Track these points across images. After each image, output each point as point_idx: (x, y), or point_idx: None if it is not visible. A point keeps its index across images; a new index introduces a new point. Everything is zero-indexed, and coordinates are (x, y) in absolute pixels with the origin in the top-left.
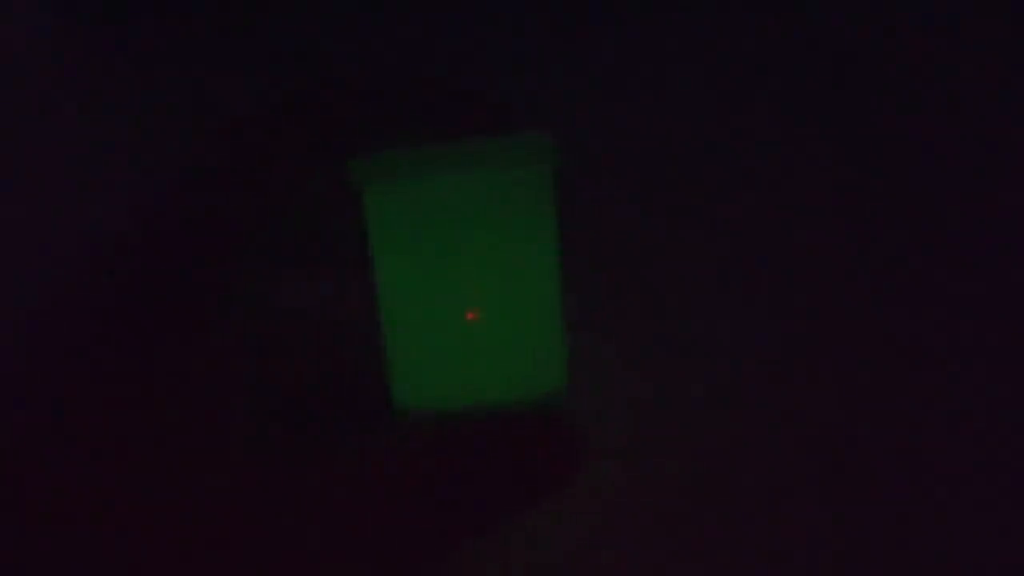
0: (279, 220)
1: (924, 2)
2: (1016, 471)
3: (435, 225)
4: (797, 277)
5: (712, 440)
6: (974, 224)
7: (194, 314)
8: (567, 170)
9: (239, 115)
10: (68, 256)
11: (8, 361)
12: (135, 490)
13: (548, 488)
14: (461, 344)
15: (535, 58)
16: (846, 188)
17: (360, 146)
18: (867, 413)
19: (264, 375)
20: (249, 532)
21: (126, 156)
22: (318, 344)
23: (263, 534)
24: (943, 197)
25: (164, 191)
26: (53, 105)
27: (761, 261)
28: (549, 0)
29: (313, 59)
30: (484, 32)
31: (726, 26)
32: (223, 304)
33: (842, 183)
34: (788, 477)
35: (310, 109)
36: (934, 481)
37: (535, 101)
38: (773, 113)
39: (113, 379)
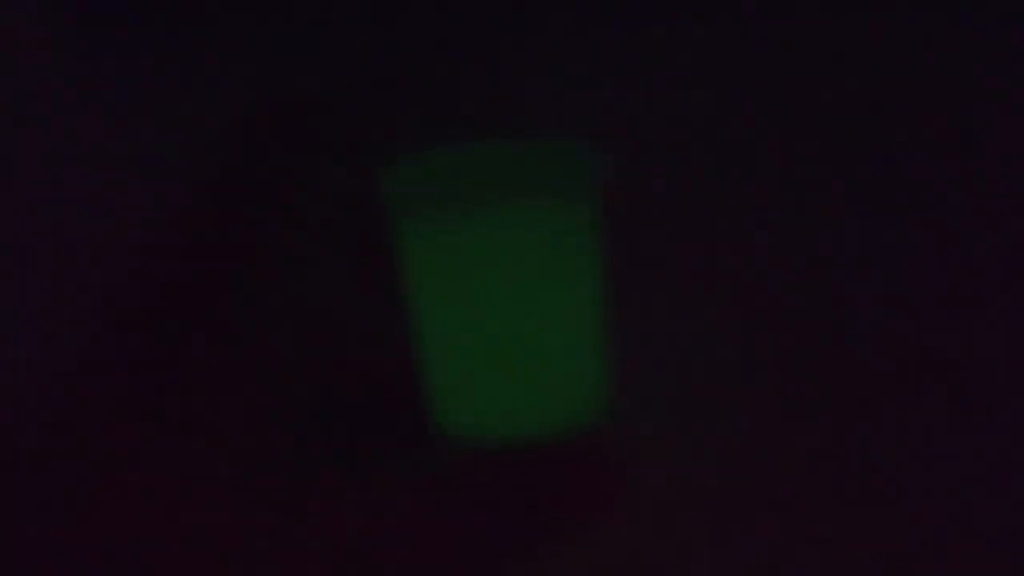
0: (309, 231)
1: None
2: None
3: (474, 262)
4: (811, 276)
5: (727, 443)
6: (986, 224)
7: (205, 315)
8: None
9: (259, 120)
10: (70, 260)
11: (11, 367)
12: (157, 504)
13: (587, 514)
14: (502, 372)
15: (554, 58)
16: (859, 188)
17: (385, 150)
18: (885, 414)
19: (300, 394)
20: (285, 552)
21: (140, 159)
22: (357, 365)
23: (298, 553)
24: (961, 198)
25: (181, 196)
26: (52, 106)
27: (774, 262)
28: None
29: (328, 61)
30: (507, 32)
31: (738, 27)
32: (229, 304)
33: (855, 182)
34: (808, 481)
35: (332, 112)
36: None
37: (557, 101)
38: (782, 113)
39: (129, 391)
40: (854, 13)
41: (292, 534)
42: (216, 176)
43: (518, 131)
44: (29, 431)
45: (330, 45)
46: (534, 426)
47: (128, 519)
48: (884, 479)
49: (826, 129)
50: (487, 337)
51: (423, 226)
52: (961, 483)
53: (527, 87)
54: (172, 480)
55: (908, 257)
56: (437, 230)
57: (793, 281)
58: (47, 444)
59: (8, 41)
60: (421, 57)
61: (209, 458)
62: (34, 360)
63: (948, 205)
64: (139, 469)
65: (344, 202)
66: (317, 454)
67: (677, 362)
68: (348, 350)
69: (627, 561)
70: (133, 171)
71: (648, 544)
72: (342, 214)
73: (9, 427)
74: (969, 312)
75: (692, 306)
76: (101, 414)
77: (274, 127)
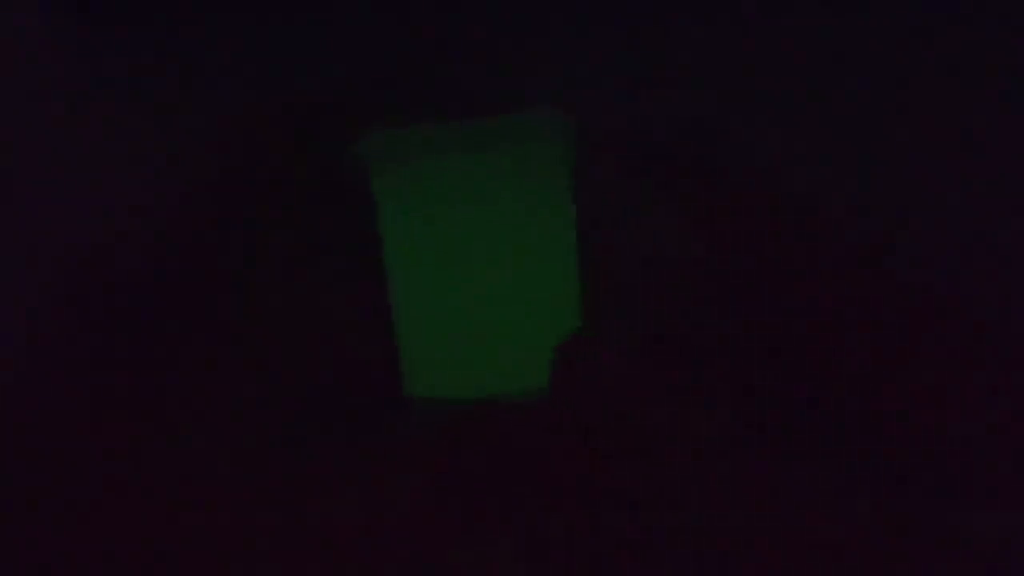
0: (281, 212)
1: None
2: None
3: (446, 207)
4: (810, 276)
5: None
6: (986, 224)
7: (197, 312)
8: (581, 151)
9: (238, 111)
10: (66, 258)
11: (9, 367)
12: (143, 489)
13: (559, 475)
14: (476, 331)
15: (546, 36)
16: (858, 187)
17: (367, 129)
18: (884, 413)
19: (272, 372)
20: (262, 527)
21: (124, 158)
22: (327, 337)
23: (276, 529)
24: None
25: (165, 191)
26: (52, 106)
27: (773, 261)
28: None
29: (328, 61)
30: (493, 12)
31: (733, 16)
32: (224, 300)
33: (854, 182)
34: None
35: (313, 97)
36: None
37: (547, 81)
38: (782, 113)
39: (116, 380)
40: (854, 13)
41: (291, 533)
42: (216, 176)
43: (500, 105)
44: (27, 431)
45: (330, 45)
46: (508, 388)
47: (127, 519)
48: (884, 478)
49: (826, 129)
50: (462, 303)
51: (397, 197)
52: (961, 483)
53: (510, 61)
54: (170, 480)
55: (908, 256)
56: (411, 200)
57: (792, 281)
58: (46, 444)
59: (8, 41)
60: (420, 57)
61: (207, 457)
62: (33, 360)
63: (948, 205)
64: (138, 469)
65: (343, 201)
66: (317, 453)
67: (671, 355)
68: (347, 349)
69: (605, 536)
70: (133, 171)
71: (631, 516)
72: (341, 213)
73: (7, 427)
74: (969, 311)
75: (691, 305)
76: (99, 413)
77: (274, 127)
